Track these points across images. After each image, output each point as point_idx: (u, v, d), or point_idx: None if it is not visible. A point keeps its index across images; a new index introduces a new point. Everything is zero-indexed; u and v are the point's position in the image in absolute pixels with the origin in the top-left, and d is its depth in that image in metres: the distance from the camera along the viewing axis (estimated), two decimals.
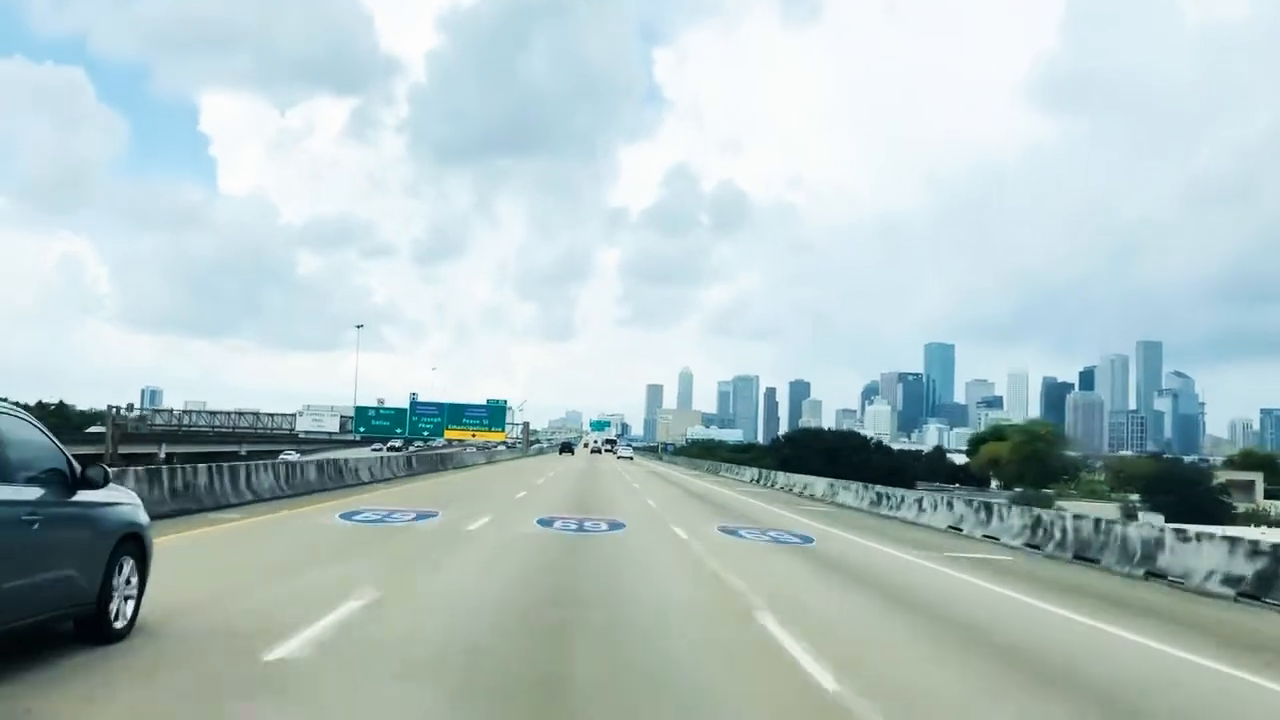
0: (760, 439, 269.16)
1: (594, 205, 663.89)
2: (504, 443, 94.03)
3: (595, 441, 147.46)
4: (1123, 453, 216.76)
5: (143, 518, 6.70)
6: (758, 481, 48.53)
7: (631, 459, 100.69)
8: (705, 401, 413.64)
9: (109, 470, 6.23)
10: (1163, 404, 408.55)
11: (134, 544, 6.48)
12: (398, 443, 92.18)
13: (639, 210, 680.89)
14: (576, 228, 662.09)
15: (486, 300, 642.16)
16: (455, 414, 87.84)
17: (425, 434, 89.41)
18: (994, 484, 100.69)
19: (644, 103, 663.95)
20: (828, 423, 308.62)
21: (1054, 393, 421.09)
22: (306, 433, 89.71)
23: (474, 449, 79.61)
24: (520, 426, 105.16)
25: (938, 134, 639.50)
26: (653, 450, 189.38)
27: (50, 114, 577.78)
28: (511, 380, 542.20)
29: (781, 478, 45.38)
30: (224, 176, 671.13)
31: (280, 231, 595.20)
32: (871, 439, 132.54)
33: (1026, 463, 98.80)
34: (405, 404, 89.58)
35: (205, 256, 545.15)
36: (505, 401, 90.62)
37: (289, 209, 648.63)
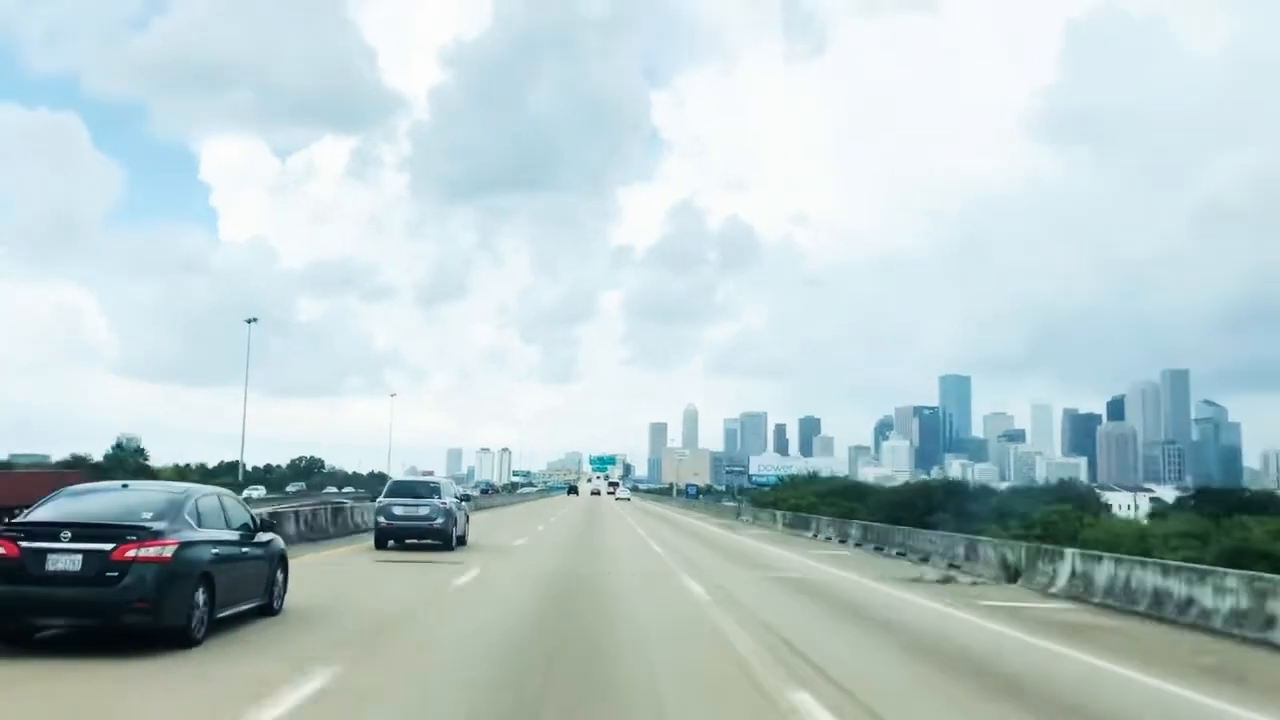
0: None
1: (599, 243, 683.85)
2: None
3: (596, 480, 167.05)
4: (1162, 486, 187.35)
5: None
6: None
7: (629, 500, 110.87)
8: (711, 440, 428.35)
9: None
10: (1198, 434, 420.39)
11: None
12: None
13: (644, 248, 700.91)
14: (580, 266, 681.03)
15: (489, 342, 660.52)
16: None
17: None
18: None
19: (649, 140, 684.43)
20: (840, 460, 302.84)
21: (1079, 425, 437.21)
22: None
23: None
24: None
25: (941, 168, 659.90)
26: (663, 493, 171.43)
27: (45, 161, 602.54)
28: (512, 423, 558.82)
29: None
30: (224, 221, 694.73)
31: (280, 277, 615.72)
32: None
33: None
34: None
35: (204, 304, 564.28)
36: None
37: (289, 253, 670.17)
